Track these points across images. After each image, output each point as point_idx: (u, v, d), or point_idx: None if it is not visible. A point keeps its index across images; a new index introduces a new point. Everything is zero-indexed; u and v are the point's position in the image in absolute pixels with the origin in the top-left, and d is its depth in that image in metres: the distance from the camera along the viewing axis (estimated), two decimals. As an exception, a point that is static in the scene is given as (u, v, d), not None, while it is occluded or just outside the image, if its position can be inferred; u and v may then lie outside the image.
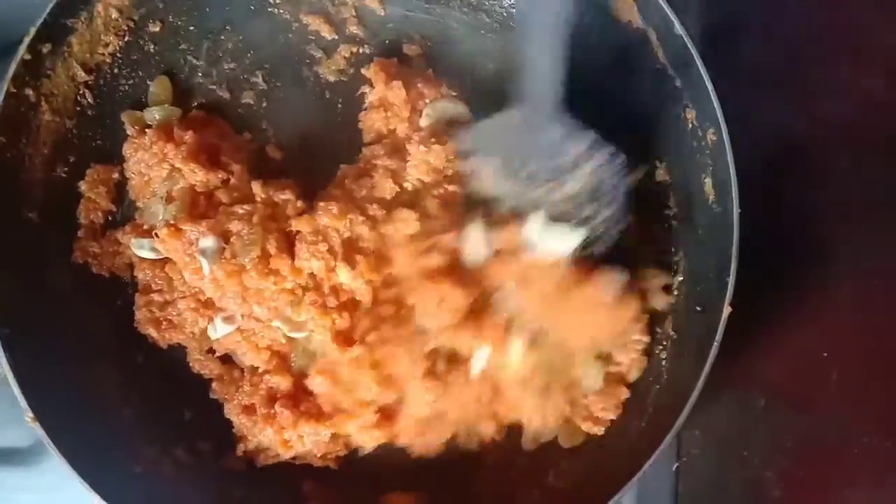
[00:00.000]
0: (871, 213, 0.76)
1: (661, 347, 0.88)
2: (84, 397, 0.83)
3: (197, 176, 0.86)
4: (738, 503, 0.91)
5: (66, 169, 0.87)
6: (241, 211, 0.85)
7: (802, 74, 0.87)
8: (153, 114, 0.90)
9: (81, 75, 0.86)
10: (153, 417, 0.87)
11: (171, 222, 0.84)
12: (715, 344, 0.80)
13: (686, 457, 0.99)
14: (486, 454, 0.89)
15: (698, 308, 0.84)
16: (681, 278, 0.88)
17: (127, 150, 0.89)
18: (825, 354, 0.80)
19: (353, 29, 0.96)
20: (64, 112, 0.86)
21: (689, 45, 0.81)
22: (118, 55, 0.88)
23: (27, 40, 0.80)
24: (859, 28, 0.80)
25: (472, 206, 0.86)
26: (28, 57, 0.80)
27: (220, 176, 0.88)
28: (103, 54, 0.87)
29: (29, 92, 0.82)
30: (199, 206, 0.86)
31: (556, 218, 0.83)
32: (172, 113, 0.91)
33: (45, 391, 0.78)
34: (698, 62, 0.81)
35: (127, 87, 0.90)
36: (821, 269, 0.83)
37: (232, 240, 0.83)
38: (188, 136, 0.87)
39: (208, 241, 0.83)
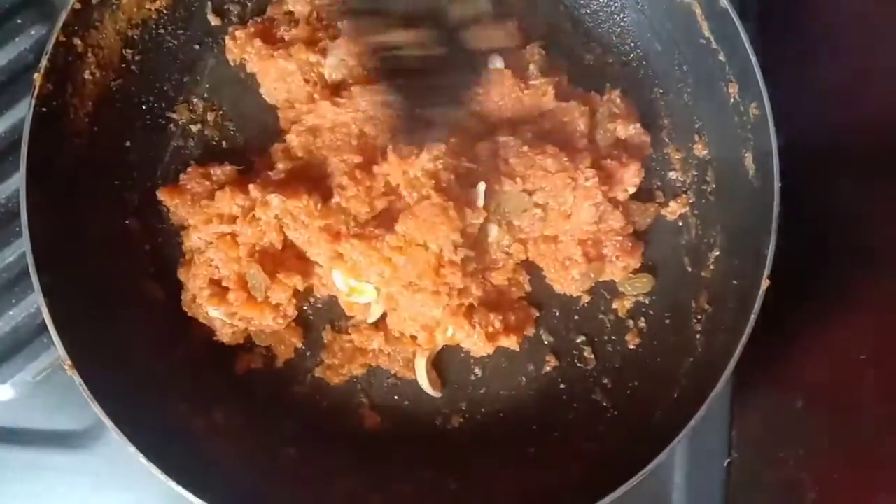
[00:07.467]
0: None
1: (695, 321, 0.88)
2: (119, 348, 0.83)
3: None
4: (774, 504, 0.90)
5: (108, 122, 0.87)
6: None
7: (862, 58, 0.86)
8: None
9: (128, 30, 0.86)
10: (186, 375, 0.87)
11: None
12: (752, 316, 0.80)
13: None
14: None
15: (734, 282, 0.84)
16: (717, 253, 0.88)
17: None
18: (863, 356, 0.80)
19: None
20: (109, 66, 0.86)
21: (734, 19, 0.82)
22: (164, 12, 0.89)
23: (79, -12, 0.81)
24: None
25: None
26: (78, 6, 0.81)
27: None
28: (150, 10, 0.87)
29: (77, 42, 0.82)
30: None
31: None
32: None
33: (80, 338, 0.78)
34: (743, 36, 0.82)
35: (171, 46, 0.90)
36: (860, 271, 0.83)
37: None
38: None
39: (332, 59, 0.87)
